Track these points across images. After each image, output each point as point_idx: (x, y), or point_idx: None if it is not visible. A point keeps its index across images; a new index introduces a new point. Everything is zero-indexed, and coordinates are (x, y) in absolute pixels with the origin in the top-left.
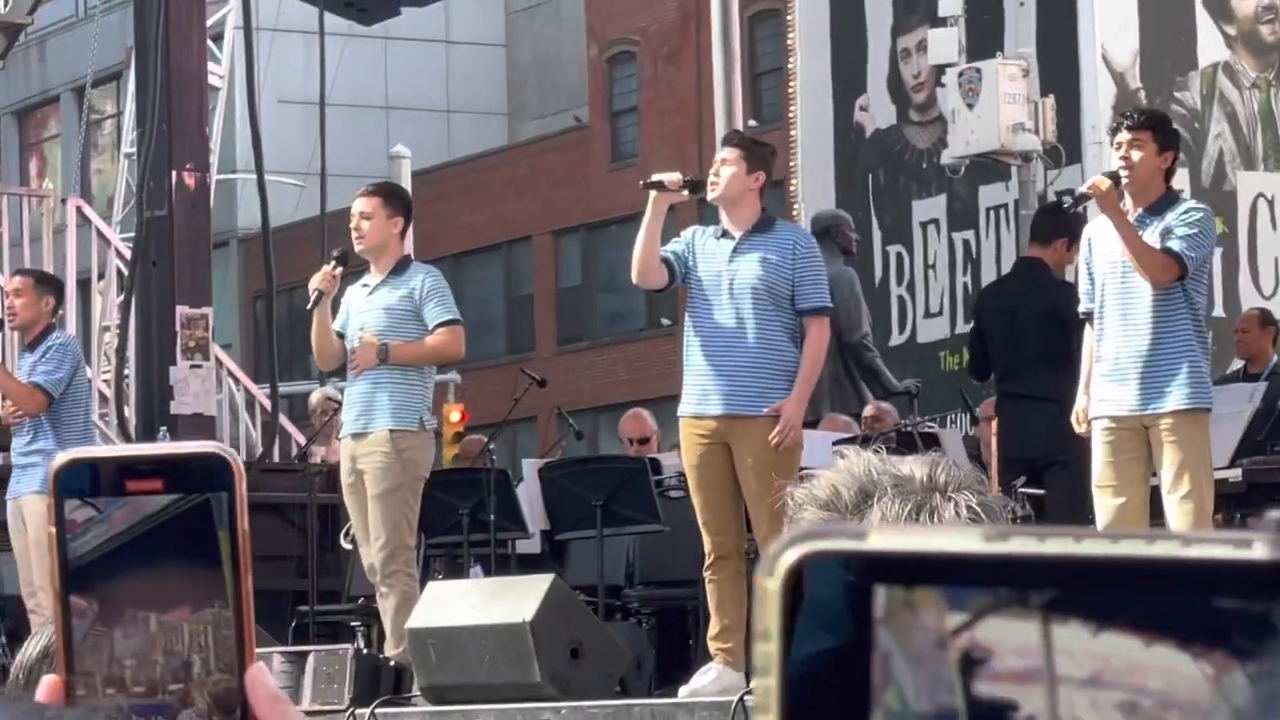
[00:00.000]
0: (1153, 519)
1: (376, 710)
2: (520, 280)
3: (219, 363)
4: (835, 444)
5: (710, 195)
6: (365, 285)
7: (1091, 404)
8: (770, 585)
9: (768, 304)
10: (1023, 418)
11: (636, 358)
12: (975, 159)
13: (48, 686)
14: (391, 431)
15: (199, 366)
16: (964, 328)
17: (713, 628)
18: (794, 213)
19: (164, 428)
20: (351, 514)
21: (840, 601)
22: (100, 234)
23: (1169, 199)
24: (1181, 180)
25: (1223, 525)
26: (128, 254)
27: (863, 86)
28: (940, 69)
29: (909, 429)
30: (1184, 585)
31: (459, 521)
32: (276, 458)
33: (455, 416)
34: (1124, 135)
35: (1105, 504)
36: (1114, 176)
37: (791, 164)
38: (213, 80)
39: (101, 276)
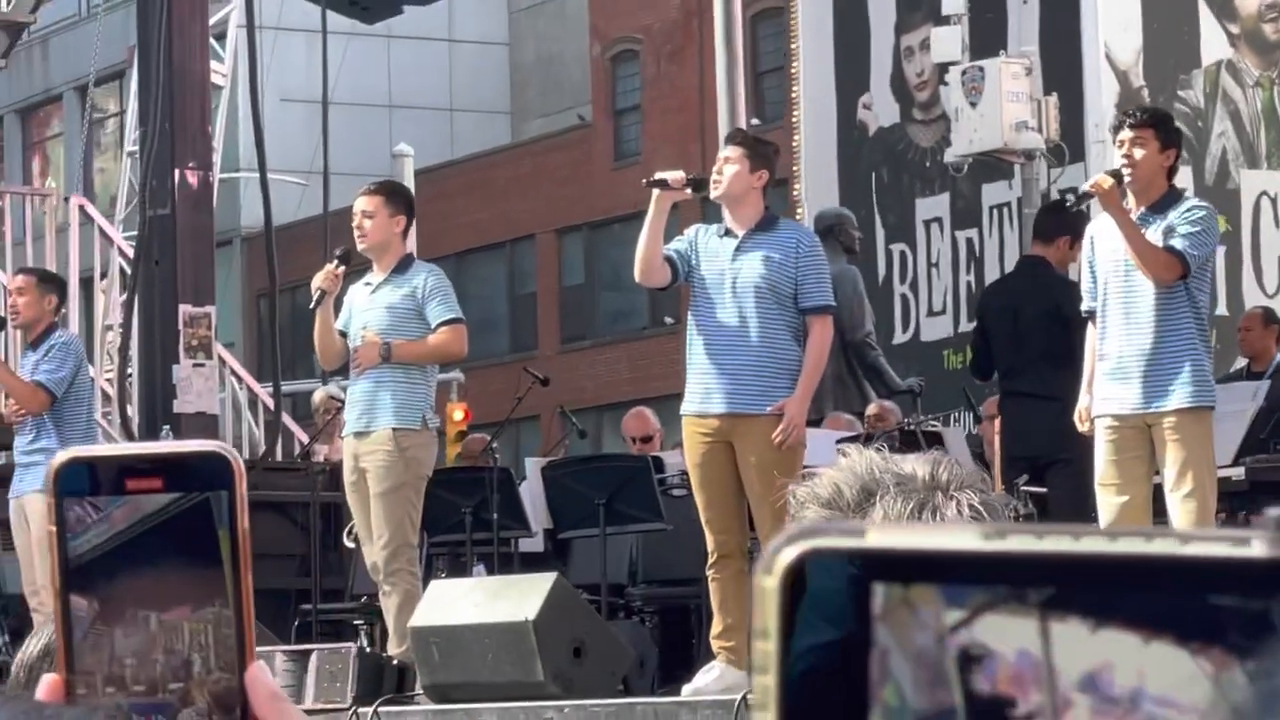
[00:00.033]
0: (1156, 517)
1: (379, 709)
2: (523, 279)
3: (222, 361)
4: (838, 442)
5: (713, 194)
6: (368, 284)
7: (1094, 402)
8: (769, 583)
9: (771, 302)
10: (1025, 416)
11: (639, 356)
12: (978, 157)
13: (48, 685)
14: (394, 430)
15: (202, 365)
16: (967, 326)
17: (715, 626)
18: (797, 211)
19: (167, 426)
20: (354, 513)
21: (843, 594)
22: (103, 233)
23: (1171, 197)
24: (1185, 179)
25: (1226, 524)
26: (130, 253)
27: (866, 85)
28: (943, 67)
29: (912, 428)
30: (1183, 583)
31: (462, 520)
32: (279, 456)
33: (459, 415)
34: (1126, 133)
35: (1108, 502)
36: (1117, 175)
37: (795, 162)
38: (215, 79)
39: (104, 275)
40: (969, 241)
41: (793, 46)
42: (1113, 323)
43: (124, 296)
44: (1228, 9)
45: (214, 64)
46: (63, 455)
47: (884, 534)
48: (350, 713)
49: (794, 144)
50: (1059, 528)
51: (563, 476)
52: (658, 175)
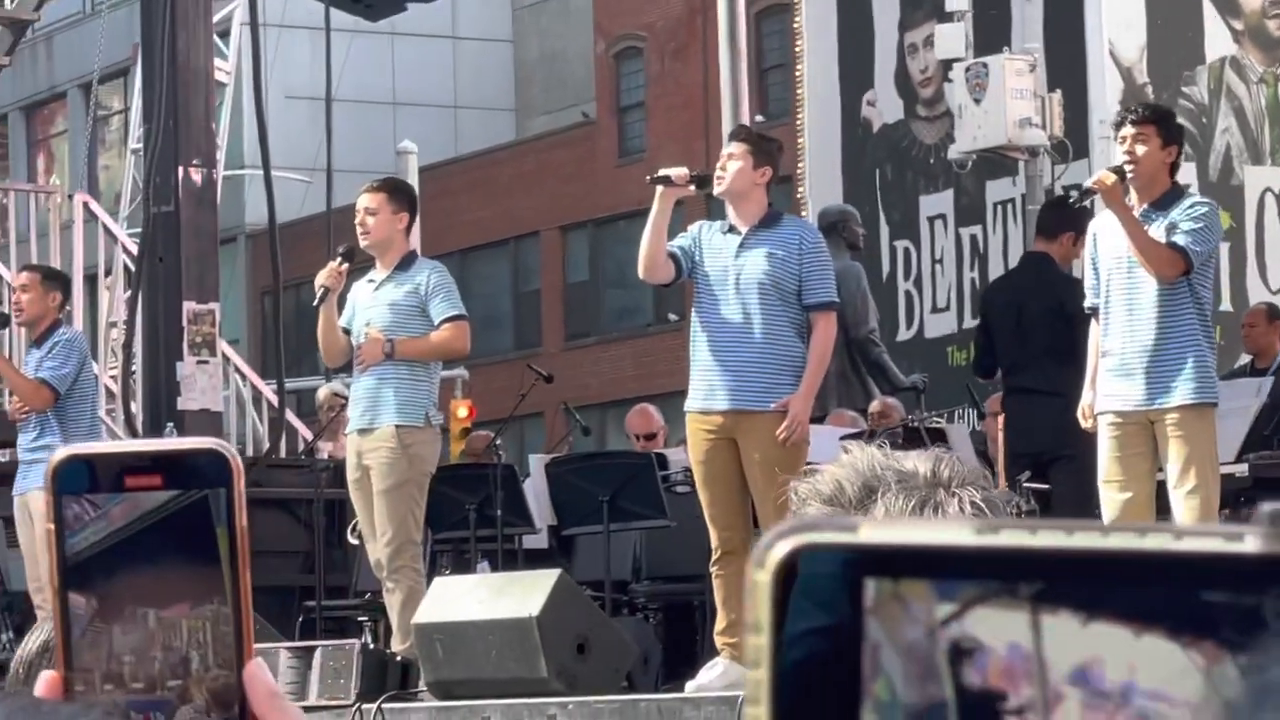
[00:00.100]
0: (1159, 514)
1: (383, 705)
2: (527, 276)
3: (226, 358)
4: (841, 439)
5: (717, 190)
6: (371, 281)
7: (1097, 399)
8: (761, 578)
9: (774, 299)
10: (1029, 412)
11: (644, 353)
12: (982, 154)
13: (46, 682)
14: (397, 427)
15: (206, 362)
16: (971, 323)
17: (719, 623)
18: (801, 208)
19: (171, 423)
20: (357, 509)
21: (836, 586)
22: (107, 230)
23: (1174, 194)
24: (1189, 175)
25: (1229, 521)
26: (134, 250)
27: (870, 82)
28: (947, 64)
29: (915, 424)
30: (1175, 578)
31: (466, 517)
32: (283, 453)
33: (463, 412)
34: (1128, 130)
35: (1111, 499)
36: (1119, 171)
37: (799, 159)
38: (219, 76)
39: (108, 272)
40: (973, 238)
41: (797, 44)
42: (1115, 319)
43: (128, 293)
44: (1231, 5)
45: (218, 61)
46: (61, 452)
47: (876, 529)
48: (354, 709)
49: (798, 143)
50: (1052, 522)
51: (566, 473)
52: (661, 172)
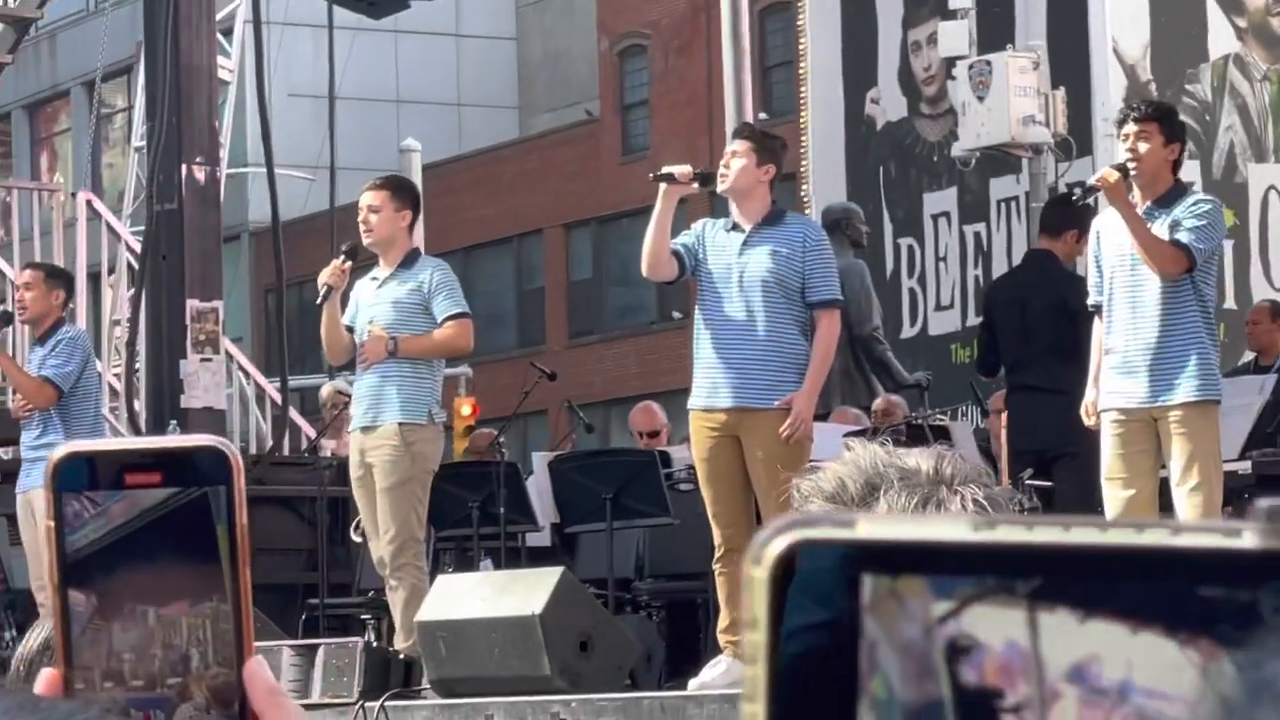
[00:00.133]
0: (1162, 512)
1: (386, 703)
2: (531, 273)
3: (229, 356)
4: (845, 436)
5: (720, 188)
6: (374, 279)
7: (1101, 396)
8: (758, 574)
9: (778, 297)
10: (1032, 409)
11: (647, 351)
12: (986, 151)
13: (46, 680)
14: (400, 425)
15: (209, 360)
16: (975, 320)
17: (722, 620)
18: (805, 206)
19: (174, 421)
20: (360, 507)
21: (835, 576)
22: (110, 228)
23: (1177, 191)
24: (1192, 172)
25: (1232, 518)
26: (138, 248)
27: (873, 79)
28: (951, 61)
29: (919, 422)
30: (1173, 574)
31: (469, 514)
32: (287, 451)
33: (466, 410)
34: (1130, 127)
35: (1114, 496)
36: (1122, 169)
37: (802, 157)
38: (222, 74)
39: (112, 270)
40: (977, 236)
41: (800, 41)
42: (1119, 317)
43: (131, 292)
44: (1235, 3)
45: (221, 59)
46: (61, 450)
47: (873, 525)
48: (357, 707)
49: (802, 140)
50: (1049, 518)
51: (570, 471)
52: (665, 169)
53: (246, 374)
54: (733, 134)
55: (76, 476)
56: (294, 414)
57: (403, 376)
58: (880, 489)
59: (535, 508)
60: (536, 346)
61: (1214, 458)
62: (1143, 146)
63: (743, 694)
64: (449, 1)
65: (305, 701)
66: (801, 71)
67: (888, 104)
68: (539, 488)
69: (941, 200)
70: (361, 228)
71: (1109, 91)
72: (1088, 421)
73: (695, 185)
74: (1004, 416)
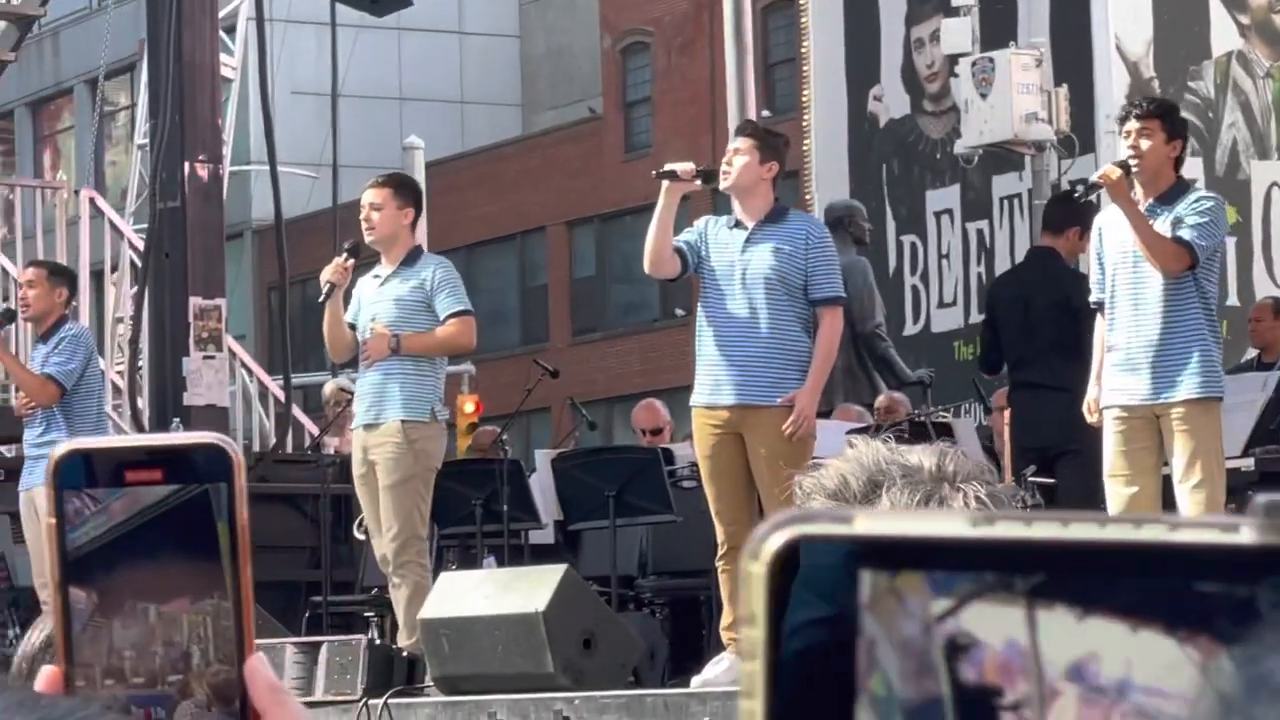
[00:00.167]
0: (1165, 509)
1: (389, 701)
2: (534, 271)
3: (232, 354)
4: (847, 434)
5: (723, 185)
6: (376, 276)
7: (1103, 393)
8: (756, 569)
9: (780, 294)
10: (1035, 407)
11: (650, 348)
12: (989, 149)
13: (46, 678)
14: (403, 422)
15: (212, 358)
16: (978, 318)
17: (725, 618)
18: (807, 203)
19: (177, 419)
20: (363, 505)
21: (835, 572)
22: (113, 225)
23: (1179, 188)
24: (1195, 169)
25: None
26: (141, 245)
27: (876, 76)
28: (954, 59)
29: (922, 419)
30: (1171, 570)
31: (472, 512)
32: (290, 449)
33: (469, 407)
34: (1132, 124)
35: (1117, 494)
36: (1125, 166)
37: (805, 154)
38: (225, 72)
39: (115, 268)
40: (979, 233)
41: (803, 39)
42: (1121, 314)
43: (134, 289)
44: (1238, 0)
45: (224, 57)
46: (62, 447)
47: (872, 521)
48: (360, 704)
49: (804, 138)
50: (1048, 514)
51: (573, 468)
52: (667, 167)
53: (249, 371)
54: (735, 131)
55: (77, 474)
56: (297, 411)
57: (405, 374)
58: (883, 486)
59: (538, 505)
60: (539, 344)
61: (1216, 455)
62: (1145, 143)
63: (741, 690)
64: None
65: (308, 699)
66: (804, 69)
67: (890, 101)
68: (542, 485)
69: (944, 197)
70: (364, 225)
71: (1112, 88)
72: (1090, 419)
73: (698, 183)
74: (1007, 414)
